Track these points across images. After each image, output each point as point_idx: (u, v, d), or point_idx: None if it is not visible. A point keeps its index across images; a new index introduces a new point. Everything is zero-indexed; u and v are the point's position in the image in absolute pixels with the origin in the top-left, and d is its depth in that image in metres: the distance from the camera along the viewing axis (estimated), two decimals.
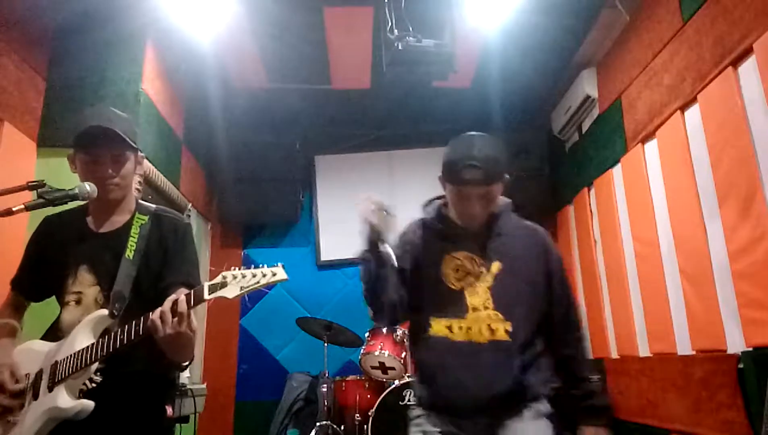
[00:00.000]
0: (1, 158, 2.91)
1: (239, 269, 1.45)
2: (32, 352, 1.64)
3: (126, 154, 1.70)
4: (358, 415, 3.75)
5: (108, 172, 1.66)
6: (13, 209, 1.48)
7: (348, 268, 5.32)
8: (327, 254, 5.32)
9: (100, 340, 1.52)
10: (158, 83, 3.74)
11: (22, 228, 2.84)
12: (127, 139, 1.66)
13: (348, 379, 4.05)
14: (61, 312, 1.68)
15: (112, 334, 1.50)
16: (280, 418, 4.63)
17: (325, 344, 4.04)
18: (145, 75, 3.51)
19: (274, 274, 1.45)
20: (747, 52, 2.67)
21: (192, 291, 1.46)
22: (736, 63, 2.75)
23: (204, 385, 4.12)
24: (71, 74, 3.37)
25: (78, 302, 1.65)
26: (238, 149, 5.03)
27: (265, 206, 5.07)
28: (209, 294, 1.43)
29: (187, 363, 1.64)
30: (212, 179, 5.14)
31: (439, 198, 1.95)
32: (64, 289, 1.68)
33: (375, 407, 3.55)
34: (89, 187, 1.60)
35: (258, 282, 1.44)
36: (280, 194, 5.09)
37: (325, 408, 3.93)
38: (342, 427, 3.82)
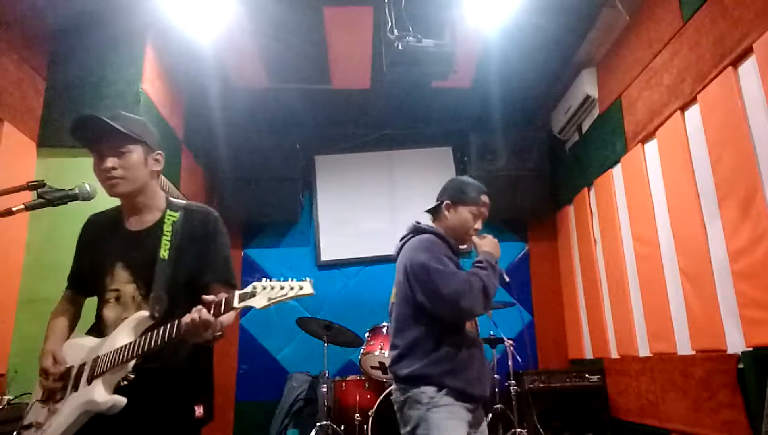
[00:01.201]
0: (1, 158, 2.91)
1: (269, 280, 1.50)
2: (78, 346, 1.70)
3: (127, 147, 1.68)
4: (358, 415, 3.74)
5: (108, 164, 1.65)
6: (13, 209, 1.49)
7: (348, 268, 5.32)
8: (327, 254, 5.32)
9: (138, 338, 1.57)
10: (158, 83, 3.74)
11: (23, 228, 2.84)
12: (121, 129, 1.65)
13: (348, 379, 4.05)
14: (101, 309, 1.72)
15: (149, 334, 1.55)
16: (280, 418, 4.62)
17: (325, 344, 4.04)
18: (145, 75, 3.51)
19: (301, 288, 1.48)
20: (747, 52, 2.68)
21: (223, 299, 1.50)
22: (736, 63, 2.76)
23: None
24: (71, 74, 3.38)
25: (117, 299, 1.69)
26: (238, 149, 5.03)
27: (265, 206, 5.07)
28: (239, 302, 1.49)
29: (219, 334, 1.64)
30: (212, 179, 5.14)
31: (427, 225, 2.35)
32: (103, 287, 1.71)
33: (375, 407, 3.55)
34: (89, 187, 1.61)
35: (286, 295, 1.47)
36: (280, 194, 5.09)
37: (325, 408, 3.93)
38: (342, 427, 3.81)
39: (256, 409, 4.91)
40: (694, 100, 3.10)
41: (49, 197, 1.56)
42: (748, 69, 2.69)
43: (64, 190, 1.59)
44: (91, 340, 1.69)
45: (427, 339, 2.08)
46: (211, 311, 1.49)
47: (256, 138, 5.08)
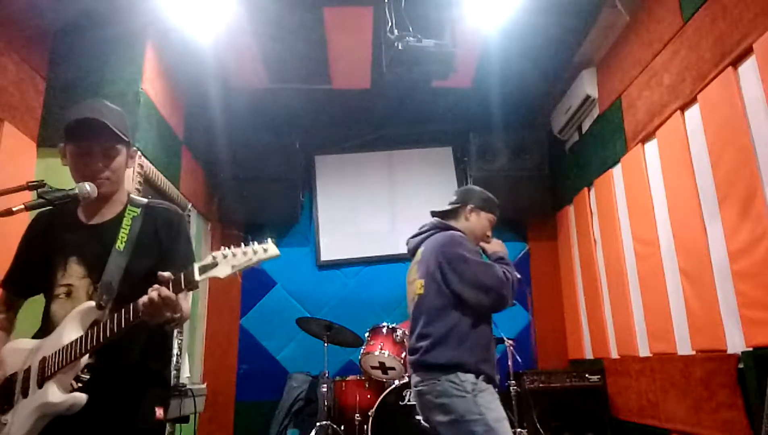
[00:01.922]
0: (1, 158, 2.91)
1: (230, 249, 1.41)
2: (19, 351, 1.62)
3: (117, 148, 1.67)
4: (358, 415, 3.74)
5: (98, 165, 1.64)
6: (13, 209, 1.48)
7: (348, 268, 5.32)
8: (327, 254, 5.32)
9: (89, 331, 1.49)
10: (158, 83, 3.74)
11: (23, 228, 2.84)
12: (118, 132, 1.64)
13: (348, 379, 4.05)
14: (50, 305, 1.65)
15: (101, 324, 1.48)
16: (280, 418, 4.62)
17: (325, 344, 4.04)
18: (145, 75, 3.51)
19: (266, 250, 1.39)
20: (747, 52, 2.67)
21: (182, 273, 1.42)
22: (736, 63, 2.75)
23: (204, 385, 4.12)
24: (71, 74, 3.38)
25: (68, 295, 1.62)
26: (238, 149, 5.03)
27: (265, 206, 5.07)
28: (200, 275, 1.40)
29: (178, 316, 1.55)
30: (212, 179, 5.14)
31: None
32: (53, 282, 1.65)
33: (375, 407, 3.55)
34: (89, 187, 1.59)
35: (250, 260, 1.39)
36: (280, 194, 5.08)
37: (325, 408, 3.94)
38: (342, 427, 3.82)
39: (256, 409, 4.91)
40: (694, 100, 3.09)
41: (49, 197, 1.55)
42: (748, 69, 2.69)
43: (64, 190, 1.57)
44: (32, 342, 1.61)
45: (460, 328, 2.21)
46: (170, 288, 1.41)
47: (256, 138, 5.08)
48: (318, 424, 3.81)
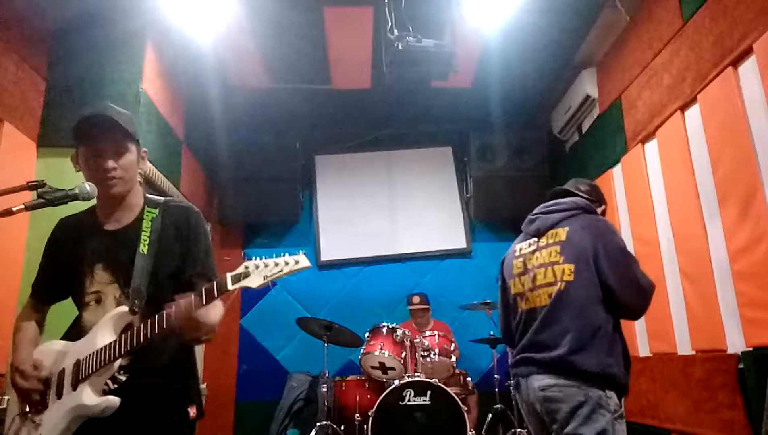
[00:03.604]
0: (1, 158, 2.91)
1: (261, 259, 1.44)
2: (53, 352, 1.64)
3: (127, 146, 1.67)
4: (358, 415, 3.75)
5: (109, 164, 1.64)
6: (13, 209, 1.47)
7: (348, 268, 5.32)
8: (327, 254, 5.32)
9: (122, 335, 1.52)
10: (158, 83, 3.74)
11: (23, 228, 2.84)
12: (127, 129, 1.64)
13: (348, 379, 4.06)
14: (81, 312, 1.67)
15: (134, 329, 1.50)
16: (280, 418, 4.63)
17: (325, 344, 4.04)
18: (145, 75, 3.51)
19: (297, 262, 1.42)
20: (747, 52, 2.68)
21: (215, 283, 1.45)
22: (736, 63, 2.76)
23: (204, 385, 4.12)
24: (71, 74, 3.38)
25: (98, 302, 1.65)
26: (238, 149, 5.03)
27: (265, 206, 5.08)
28: (232, 284, 1.42)
29: (207, 338, 1.60)
30: (212, 179, 5.14)
31: None
32: (82, 290, 1.67)
33: (375, 407, 3.55)
34: (89, 187, 1.59)
35: (281, 271, 1.41)
36: (280, 194, 5.09)
37: (325, 408, 3.94)
38: (342, 427, 3.82)
39: (256, 409, 4.91)
40: (694, 100, 3.09)
41: (49, 197, 1.54)
42: (748, 69, 2.69)
43: (64, 190, 1.56)
44: (66, 345, 1.63)
45: (608, 329, 1.97)
46: (184, 306, 1.44)
47: (256, 138, 5.08)
48: (318, 424, 3.81)
